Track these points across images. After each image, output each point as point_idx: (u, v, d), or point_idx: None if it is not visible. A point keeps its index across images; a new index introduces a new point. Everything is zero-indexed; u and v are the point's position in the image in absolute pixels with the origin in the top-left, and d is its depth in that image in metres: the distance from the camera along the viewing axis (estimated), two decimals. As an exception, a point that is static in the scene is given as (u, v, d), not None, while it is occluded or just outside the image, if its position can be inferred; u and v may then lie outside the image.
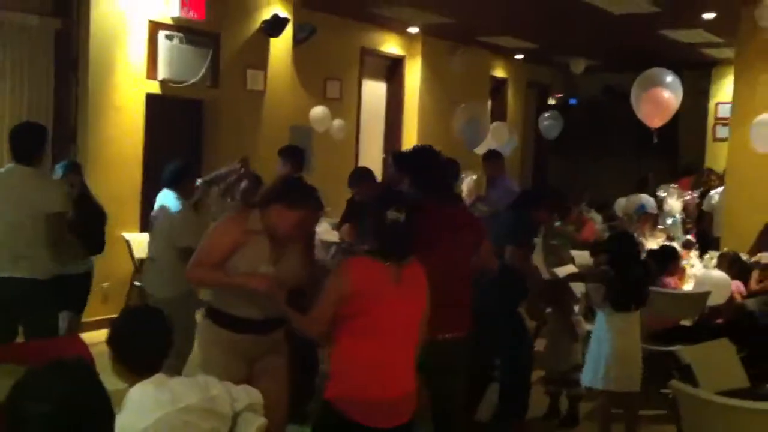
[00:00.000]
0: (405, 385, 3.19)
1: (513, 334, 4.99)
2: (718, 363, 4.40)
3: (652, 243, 7.03)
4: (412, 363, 3.23)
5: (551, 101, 15.67)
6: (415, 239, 3.25)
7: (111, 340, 2.78)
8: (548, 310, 5.49)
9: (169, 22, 7.92)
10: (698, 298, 5.96)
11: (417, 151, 4.17)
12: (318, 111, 9.46)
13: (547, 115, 12.70)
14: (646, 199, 8.80)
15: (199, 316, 3.94)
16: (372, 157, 11.47)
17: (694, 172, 11.31)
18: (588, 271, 5.39)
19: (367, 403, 3.09)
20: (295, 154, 6.61)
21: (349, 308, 3.11)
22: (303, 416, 5.09)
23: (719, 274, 5.95)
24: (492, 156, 8.08)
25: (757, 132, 8.08)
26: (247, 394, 2.97)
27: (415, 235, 3.24)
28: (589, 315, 5.34)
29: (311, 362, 5.26)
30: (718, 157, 12.10)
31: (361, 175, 6.53)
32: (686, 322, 5.93)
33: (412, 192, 3.91)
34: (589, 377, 4.74)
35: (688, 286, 6.33)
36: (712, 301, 5.85)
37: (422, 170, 4.00)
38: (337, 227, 8.20)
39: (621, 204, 8.70)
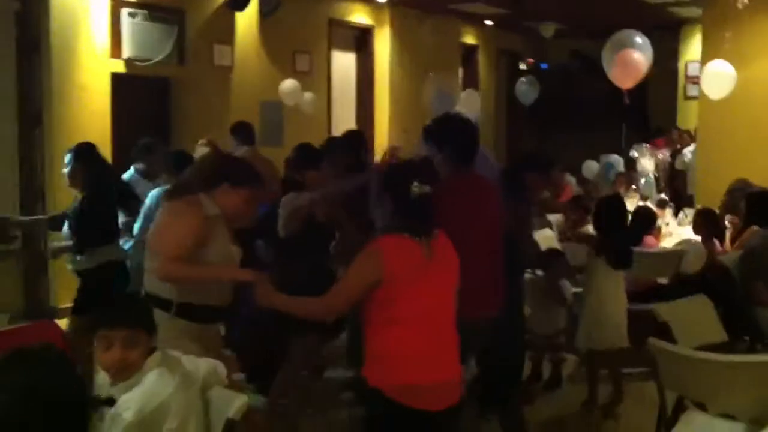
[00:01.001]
0: (451, 366, 3.09)
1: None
2: (695, 319, 4.42)
3: (628, 203, 7.04)
4: (455, 340, 3.11)
5: (523, 66, 15.64)
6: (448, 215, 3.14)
7: (131, 318, 2.70)
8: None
9: (132, -1, 7.79)
10: (674, 255, 6.00)
11: (451, 119, 4.06)
12: (288, 84, 9.36)
13: (523, 80, 12.66)
14: (614, 158, 8.84)
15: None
16: (343, 128, 11.38)
17: (666, 133, 11.36)
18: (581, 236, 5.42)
19: (417, 388, 2.95)
20: (247, 129, 6.57)
21: (385, 293, 2.97)
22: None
23: (695, 243, 5.98)
24: None
25: (707, 80, 8.20)
26: (207, 362, 2.98)
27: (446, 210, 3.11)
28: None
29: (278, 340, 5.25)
30: (689, 115, 12.15)
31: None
32: (663, 280, 5.97)
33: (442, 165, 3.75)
34: (582, 340, 4.80)
35: (664, 244, 6.36)
36: (689, 268, 5.86)
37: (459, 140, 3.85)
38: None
39: (590, 166, 8.72)
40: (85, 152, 5.09)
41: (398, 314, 2.98)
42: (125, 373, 2.60)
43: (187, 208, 3.38)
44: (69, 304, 7.03)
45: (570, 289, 5.45)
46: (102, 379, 2.68)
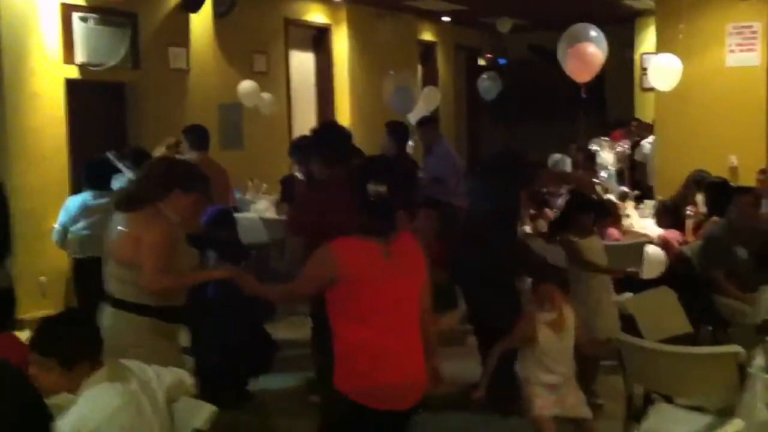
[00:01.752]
0: (416, 366, 3.07)
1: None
2: (660, 311, 4.46)
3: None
4: (417, 339, 3.09)
5: (481, 62, 15.68)
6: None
7: (40, 343, 2.69)
8: None
9: (82, 3, 7.64)
10: (636, 248, 6.05)
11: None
12: (246, 86, 9.27)
13: (484, 75, 12.69)
14: (557, 157, 8.93)
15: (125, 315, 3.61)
16: (305, 129, 11.31)
17: (625, 125, 11.46)
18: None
19: (378, 389, 2.97)
20: (198, 133, 6.52)
21: (340, 292, 3.00)
22: (246, 395, 5.10)
23: (654, 250, 6.02)
24: (426, 122, 8.02)
25: (653, 73, 8.33)
26: (171, 372, 2.99)
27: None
28: None
29: (266, 337, 5.29)
30: (646, 107, 12.29)
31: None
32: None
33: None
34: None
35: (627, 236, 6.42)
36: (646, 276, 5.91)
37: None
38: (277, 204, 8.10)
39: (554, 159, 8.79)
40: None
41: (359, 314, 2.99)
42: (57, 395, 2.60)
43: (156, 218, 3.49)
44: (33, 314, 6.96)
45: None
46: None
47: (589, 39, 7.41)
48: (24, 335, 4.64)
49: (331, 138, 4.46)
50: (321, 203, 4.10)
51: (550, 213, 6.79)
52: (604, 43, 7.45)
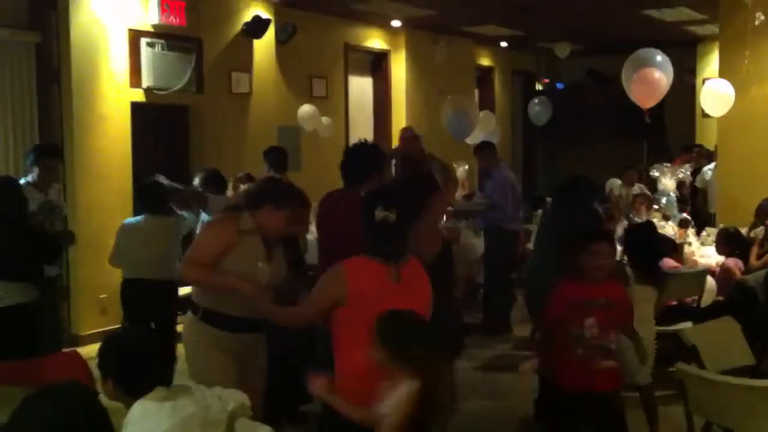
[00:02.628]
0: None
1: None
2: (722, 341, 4.36)
3: (648, 224, 6.99)
4: None
5: (538, 87, 15.63)
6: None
7: (104, 367, 2.74)
8: None
9: (150, 29, 7.86)
10: (696, 277, 5.94)
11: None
12: (306, 110, 9.40)
13: (536, 101, 12.64)
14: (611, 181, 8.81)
15: (186, 318, 3.88)
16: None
17: (690, 150, 11.29)
18: None
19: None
20: (277, 155, 6.61)
21: (350, 312, 3.05)
22: (301, 416, 5.09)
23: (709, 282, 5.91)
24: (484, 147, 8.03)
25: (704, 97, 8.25)
26: (233, 396, 2.95)
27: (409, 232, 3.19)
28: None
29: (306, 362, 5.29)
30: (707, 133, 12.08)
31: None
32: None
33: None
34: None
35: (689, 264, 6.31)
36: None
37: None
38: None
39: (613, 185, 8.67)
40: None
41: (358, 334, 2.97)
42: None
43: (223, 221, 3.76)
44: (91, 331, 7.13)
45: None
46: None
47: (654, 64, 7.33)
48: (85, 351, 4.80)
49: (349, 158, 4.50)
50: (320, 219, 4.51)
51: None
52: (670, 69, 7.36)
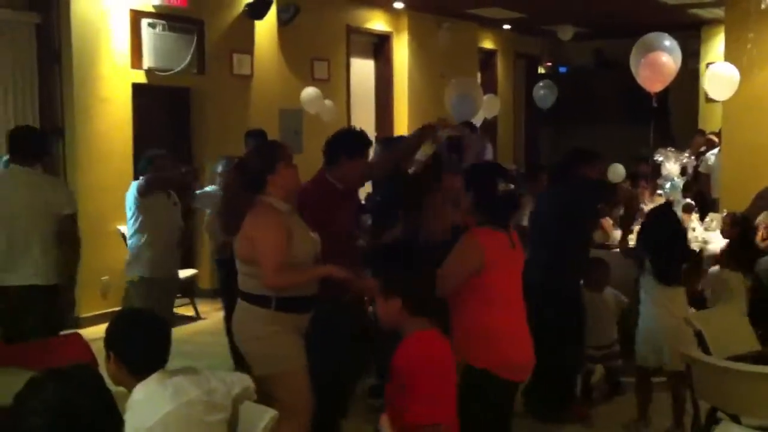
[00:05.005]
0: (530, 342, 3.45)
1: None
2: (727, 327, 4.35)
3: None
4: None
5: (541, 70, 15.55)
6: None
7: (111, 344, 2.71)
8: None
9: (151, 9, 7.80)
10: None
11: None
12: (309, 92, 9.33)
13: (540, 84, 12.57)
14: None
15: (251, 313, 3.67)
16: (364, 136, 11.36)
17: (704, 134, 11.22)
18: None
19: (515, 363, 3.36)
20: (259, 137, 6.55)
21: (482, 279, 3.30)
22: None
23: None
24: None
25: (709, 81, 8.21)
26: (239, 380, 2.93)
27: None
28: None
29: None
30: (711, 118, 12.02)
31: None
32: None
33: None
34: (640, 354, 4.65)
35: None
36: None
37: None
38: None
39: (616, 170, 8.61)
40: None
41: (495, 298, 3.34)
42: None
43: (266, 216, 3.57)
44: (92, 313, 7.11)
45: (621, 299, 5.39)
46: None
47: (662, 48, 7.27)
48: (87, 333, 4.79)
49: (327, 141, 4.38)
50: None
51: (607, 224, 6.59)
52: (678, 53, 7.30)
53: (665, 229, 4.63)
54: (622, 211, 5.58)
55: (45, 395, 1.91)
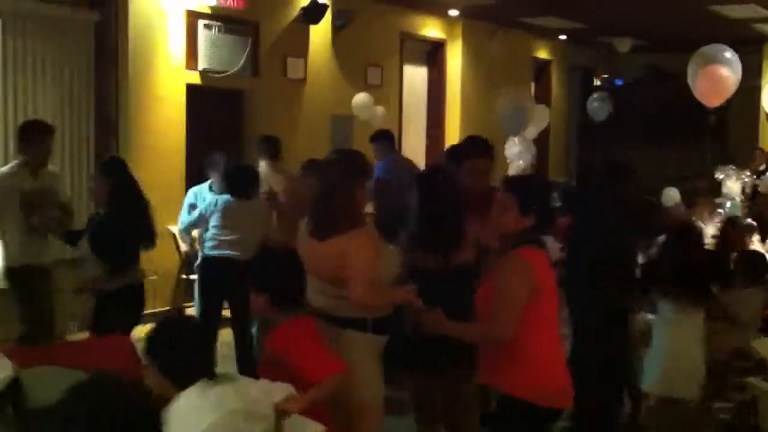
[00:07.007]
0: (565, 367, 3.28)
1: None
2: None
3: (711, 227, 6.74)
4: None
5: (597, 82, 15.32)
6: None
7: (153, 354, 2.67)
8: None
9: (208, 11, 7.83)
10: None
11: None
12: (361, 98, 9.29)
13: (595, 96, 12.38)
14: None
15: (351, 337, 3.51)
16: (414, 143, 11.29)
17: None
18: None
19: (559, 390, 3.17)
20: (273, 143, 6.49)
21: (531, 303, 3.08)
22: None
23: None
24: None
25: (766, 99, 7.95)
26: (280, 390, 2.87)
27: None
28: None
29: None
30: (770, 137, 11.75)
31: None
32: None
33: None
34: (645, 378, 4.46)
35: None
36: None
37: None
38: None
39: (670, 194, 8.34)
40: (111, 166, 4.99)
41: (539, 321, 3.12)
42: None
43: (365, 234, 3.45)
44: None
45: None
46: None
47: (722, 61, 7.01)
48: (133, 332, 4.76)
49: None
50: None
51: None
52: (738, 67, 7.04)
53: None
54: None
55: (84, 403, 1.86)
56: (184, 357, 2.64)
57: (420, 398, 4.05)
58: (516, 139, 8.46)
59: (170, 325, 2.96)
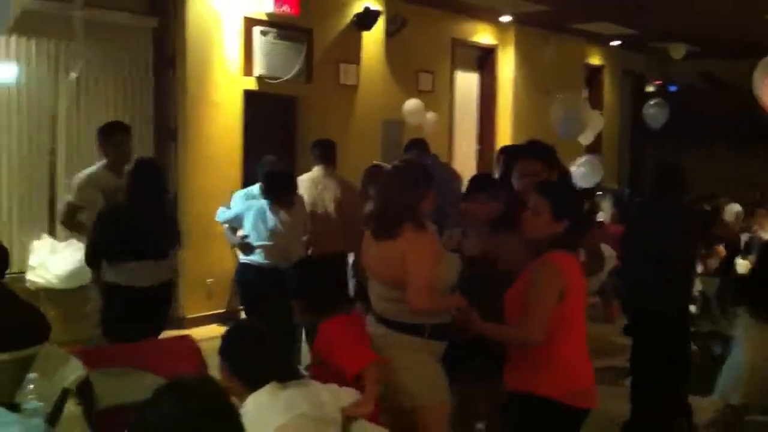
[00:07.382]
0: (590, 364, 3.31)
1: None
2: None
3: (769, 237, 6.62)
4: None
5: (650, 88, 15.12)
6: None
7: (226, 356, 2.72)
8: None
9: (264, 18, 7.91)
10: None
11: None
12: (412, 104, 9.31)
13: (652, 102, 12.21)
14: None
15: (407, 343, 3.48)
16: (465, 149, 11.28)
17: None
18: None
19: (586, 390, 3.20)
20: (327, 146, 6.44)
21: (561, 305, 3.12)
22: None
23: None
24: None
25: None
26: (348, 395, 2.90)
27: None
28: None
29: None
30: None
31: None
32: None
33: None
34: (719, 388, 4.41)
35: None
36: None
37: None
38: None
39: (732, 210, 8.13)
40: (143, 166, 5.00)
41: (568, 323, 3.16)
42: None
43: (427, 240, 3.42)
44: (197, 314, 7.24)
45: None
46: None
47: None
48: (191, 334, 4.81)
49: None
50: None
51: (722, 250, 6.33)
52: (810, 74, 6.88)
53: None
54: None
55: (162, 409, 1.87)
56: (257, 360, 2.68)
57: (462, 402, 4.05)
58: (583, 159, 8.38)
59: (242, 328, 3.03)
